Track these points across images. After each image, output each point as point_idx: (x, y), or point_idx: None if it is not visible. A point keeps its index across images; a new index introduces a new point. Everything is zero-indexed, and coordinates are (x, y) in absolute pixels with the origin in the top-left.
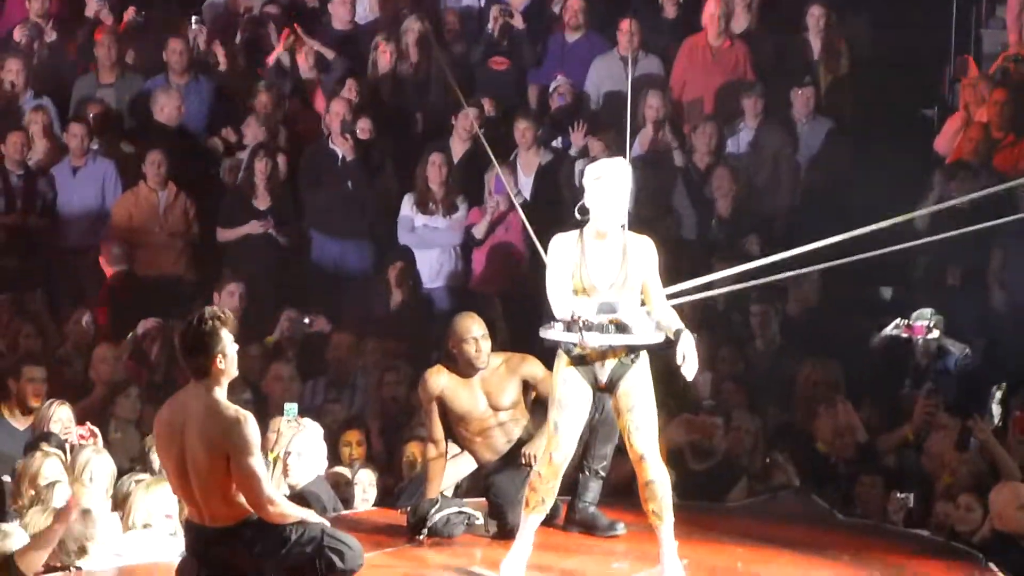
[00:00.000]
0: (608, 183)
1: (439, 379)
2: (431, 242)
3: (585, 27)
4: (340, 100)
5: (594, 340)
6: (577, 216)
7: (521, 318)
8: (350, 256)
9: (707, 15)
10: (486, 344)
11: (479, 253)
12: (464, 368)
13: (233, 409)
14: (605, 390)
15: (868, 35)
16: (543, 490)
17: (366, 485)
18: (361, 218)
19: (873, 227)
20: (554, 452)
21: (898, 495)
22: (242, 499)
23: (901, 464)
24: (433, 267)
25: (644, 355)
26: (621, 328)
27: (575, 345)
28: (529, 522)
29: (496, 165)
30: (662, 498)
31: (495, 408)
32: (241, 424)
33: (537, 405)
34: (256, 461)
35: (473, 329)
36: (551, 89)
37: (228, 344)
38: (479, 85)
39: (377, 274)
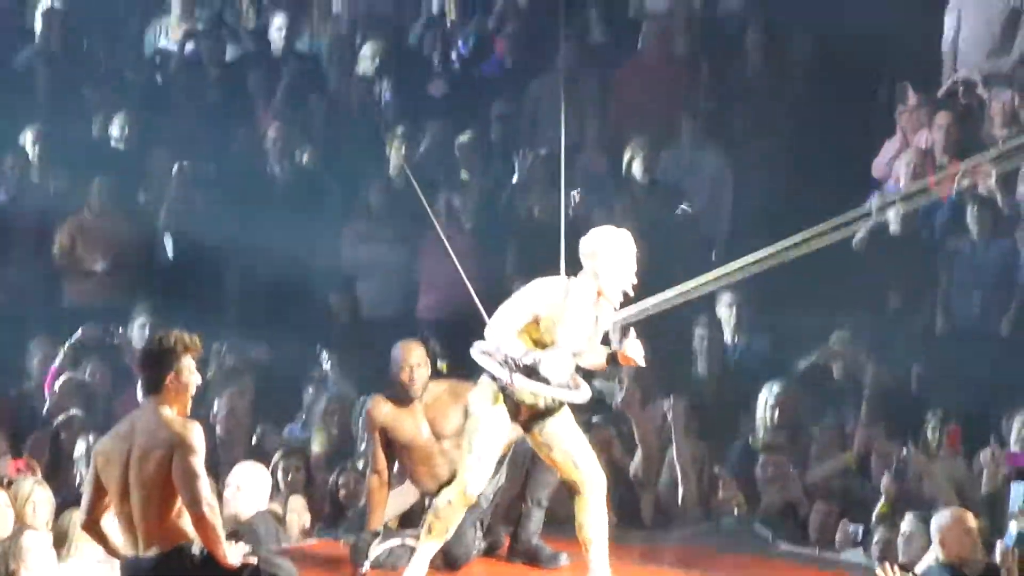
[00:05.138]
0: (626, 259)
1: (382, 408)
2: (373, 269)
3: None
4: (276, 126)
5: (522, 384)
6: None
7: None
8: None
9: (644, 37)
10: (421, 372)
11: (426, 280)
12: (403, 396)
13: (181, 419)
14: (522, 427)
15: (807, 58)
16: (451, 519)
17: (300, 510)
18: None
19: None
20: (471, 484)
21: (848, 525)
22: (179, 520)
23: (847, 489)
24: (376, 295)
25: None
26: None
27: (506, 383)
28: (427, 548)
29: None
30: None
31: (438, 436)
32: (189, 427)
33: None
34: (198, 462)
35: (410, 357)
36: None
37: (186, 369)
38: (423, 112)
39: (318, 300)
